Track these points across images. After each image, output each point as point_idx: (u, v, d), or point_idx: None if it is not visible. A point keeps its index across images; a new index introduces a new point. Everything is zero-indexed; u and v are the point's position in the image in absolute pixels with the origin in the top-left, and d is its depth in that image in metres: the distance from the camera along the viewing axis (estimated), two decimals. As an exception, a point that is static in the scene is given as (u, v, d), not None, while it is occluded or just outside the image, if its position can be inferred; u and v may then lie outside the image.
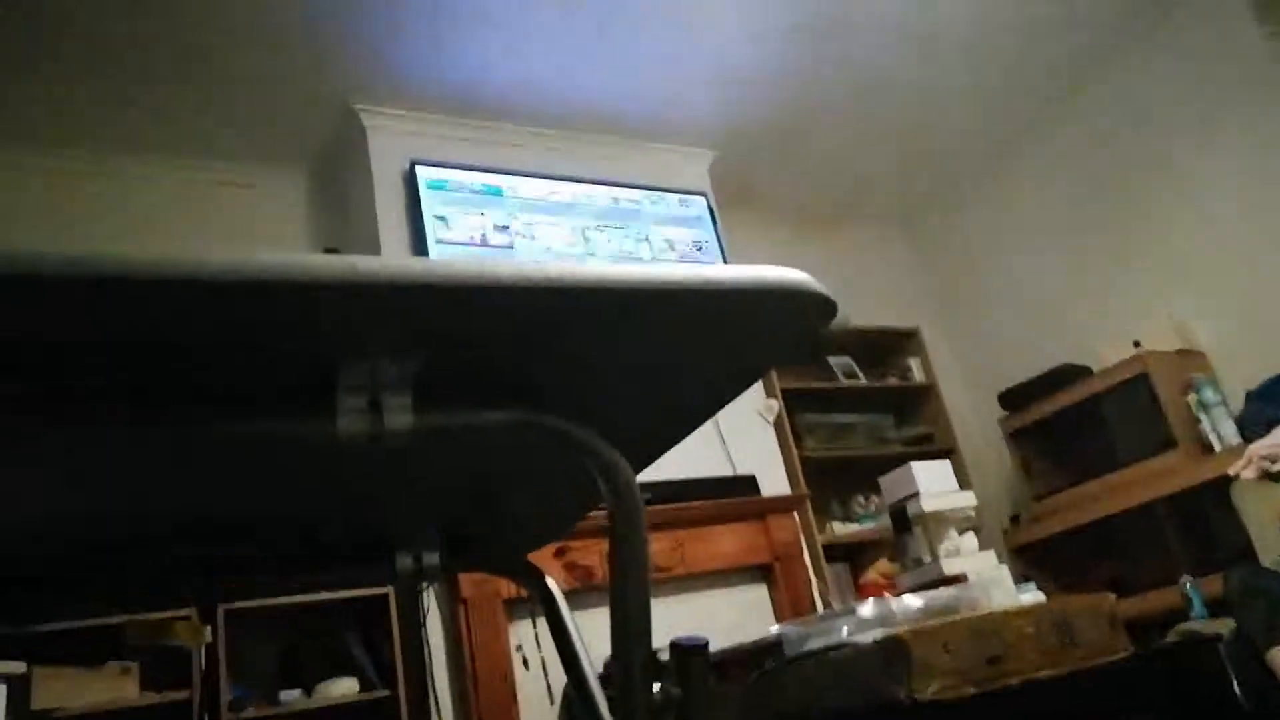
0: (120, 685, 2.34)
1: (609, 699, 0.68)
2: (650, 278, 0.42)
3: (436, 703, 2.73)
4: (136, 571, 0.64)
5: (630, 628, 0.53)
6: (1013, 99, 4.24)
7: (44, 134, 3.20)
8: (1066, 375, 3.96)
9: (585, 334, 0.45)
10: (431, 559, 0.76)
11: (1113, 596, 1.91)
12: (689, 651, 0.53)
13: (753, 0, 3.34)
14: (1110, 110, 4.21)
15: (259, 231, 3.55)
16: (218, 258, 0.33)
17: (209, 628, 2.33)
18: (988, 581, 2.06)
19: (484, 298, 0.39)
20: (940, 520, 2.41)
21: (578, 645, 0.72)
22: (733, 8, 3.35)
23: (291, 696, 2.65)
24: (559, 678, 2.90)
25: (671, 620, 3.09)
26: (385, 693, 2.70)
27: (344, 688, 2.69)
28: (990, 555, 2.41)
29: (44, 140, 3.22)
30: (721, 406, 0.59)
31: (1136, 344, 3.79)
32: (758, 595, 3.37)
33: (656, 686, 0.53)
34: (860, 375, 4.35)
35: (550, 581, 0.78)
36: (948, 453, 4.21)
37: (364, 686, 2.71)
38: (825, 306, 0.48)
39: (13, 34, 2.77)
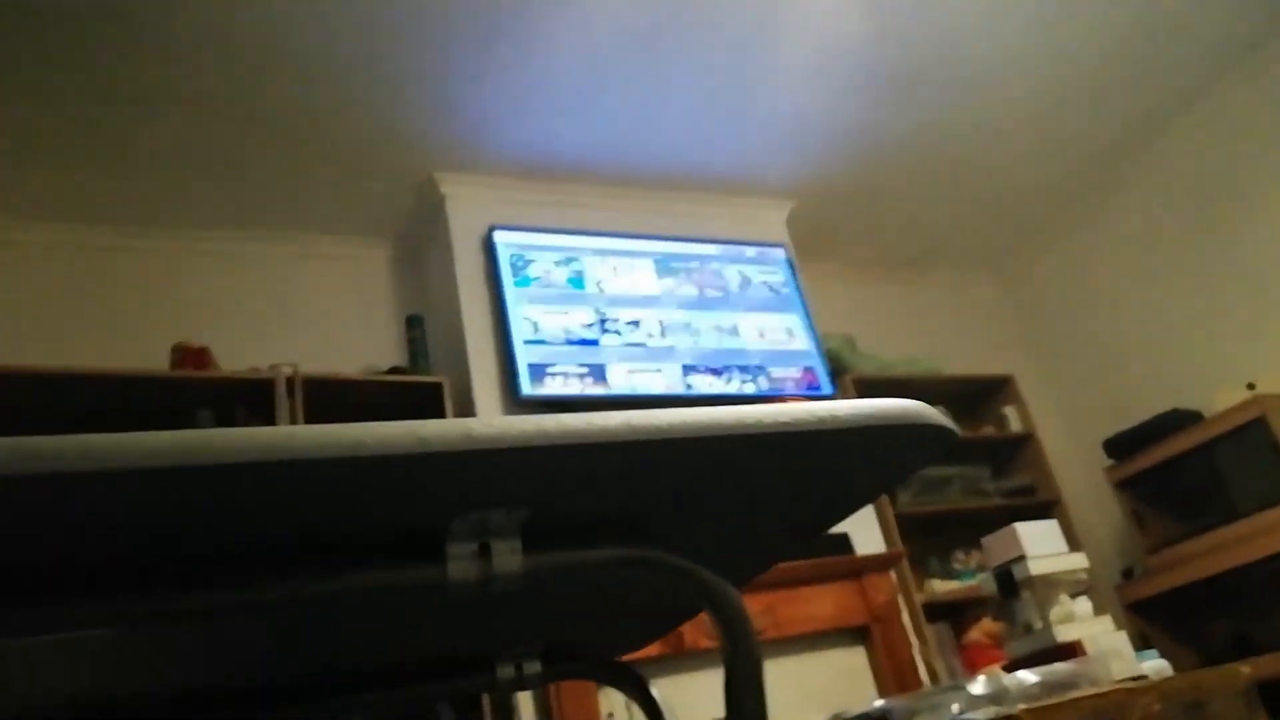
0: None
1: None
2: (764, 420, 0.40)
3: (530, 772, 2.70)
4: (252, 711, 0.65)
5: (748, 767, 0.50)
6: (1105, 130, 4.13)
7: (133, 212, 3.38)
8: (1176, 421, 3.77)
9: (695, 477, 0.43)
10: (533, 668, 0.75)
11: (1247, 669, 1.78)
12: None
13: (827, 53, 3.34)
14: (1217, 132, 4.04)
15: (343, 301, 3.66)
16: (340, 435, 0.33)
17: None
18: (1106, 652, 1.95)
19: (595, 454, 0.38)
20: (1050, 584, 2.29)
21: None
22: (807, 62, 3.36)
23: (388, 764, 2.66)
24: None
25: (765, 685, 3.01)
26: (479, 760, 2.68)
27: (439, 756, 2.69)
28: (1106, 620, 2.28)
29: (132, 218, 3.40)
30: (832, 526, 0.57)
31: (1251, 386, 3.59)
32: (855, 658, 3.26)
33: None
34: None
35: (653, 689, 0.75)
36: (1051, 504, 4.04)
37: (458, 754, 2.70)
38: (944, 434, 0.45)
39: (104, 107, 2.92)
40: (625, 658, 0.89)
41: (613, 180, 3.78)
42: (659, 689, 0.80)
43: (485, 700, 2.70)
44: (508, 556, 0.44)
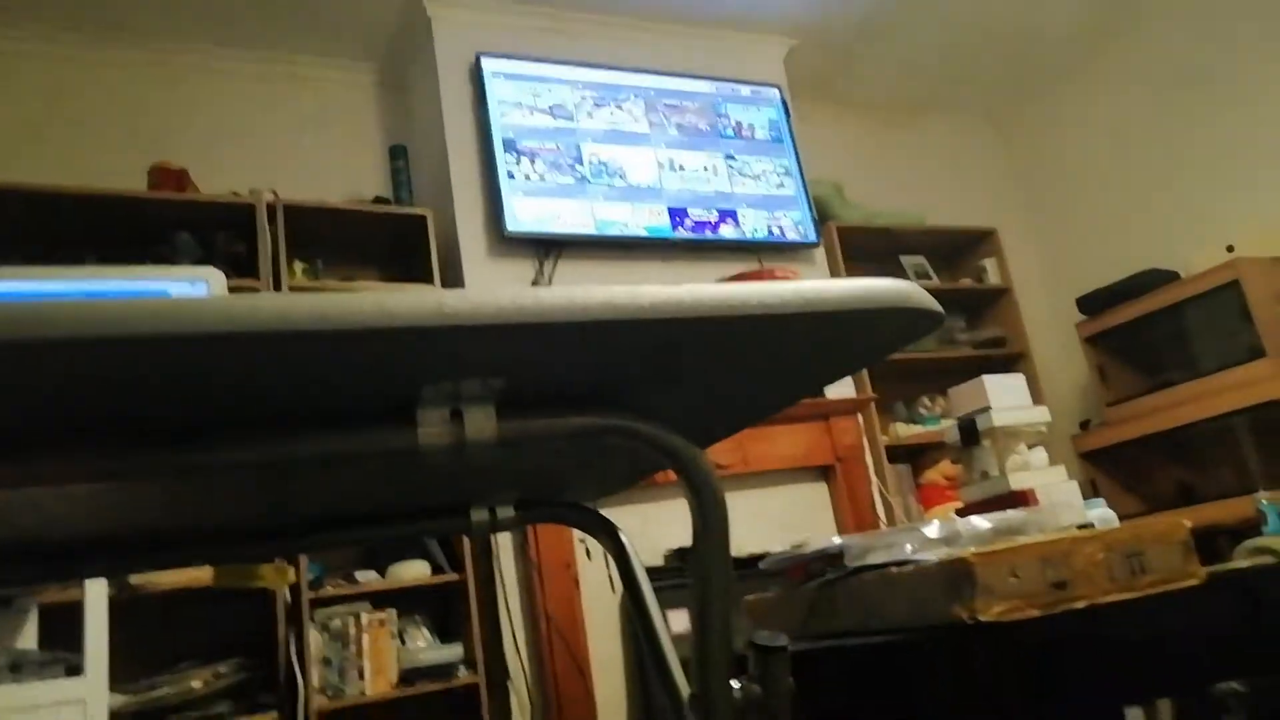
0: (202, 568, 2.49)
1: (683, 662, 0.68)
2: (749, 301, 0.39)
3: (504, 587, 2.84)
4: (230, 547, 0.66)
5: (711, 623, 0.52)
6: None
7: (99, 19, 3.17)
8: (1152, 280, 3.80)
9: (674, 353, 0.43)
10: (506, 513, 0.77)
11: (1188, 523, 1.87)
12: (769, 650, 0.53)
13: None
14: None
15: (328, 125, 3.53)
16: (305, 307, 0.32)
17: (293, 569, 2.44)
18: (1056, 501, 2.03)
19: (573, 331, 0.37)
20: (1010, 434, 2.36)
21: (652, 607, 0.73)
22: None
23: (367, 576, 2.78)
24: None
25: (730, 516, 3.15)
26: (455, 576, 2.82)
27: (416, 570, 2.82)
28: (1060, 470, 2.37)
29: (106, 22, 3.20)
30: (810, 396, 0.57)
31: (1230, 249, 3.60)
32: (818, 493, 3.40)
33: (736, 685, 0.52)
34: (933, 275, 4.23)
35: (623, 537, 0.78)
36: (1019, 357, 4.12)
37: (435, 570, 2.84)
38: (930, 318, 0.44)
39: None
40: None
41: (606, 8, 3.57)
42: (628, 518, 0.82)
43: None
44: (481, 423, 0.44)
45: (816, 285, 0.41)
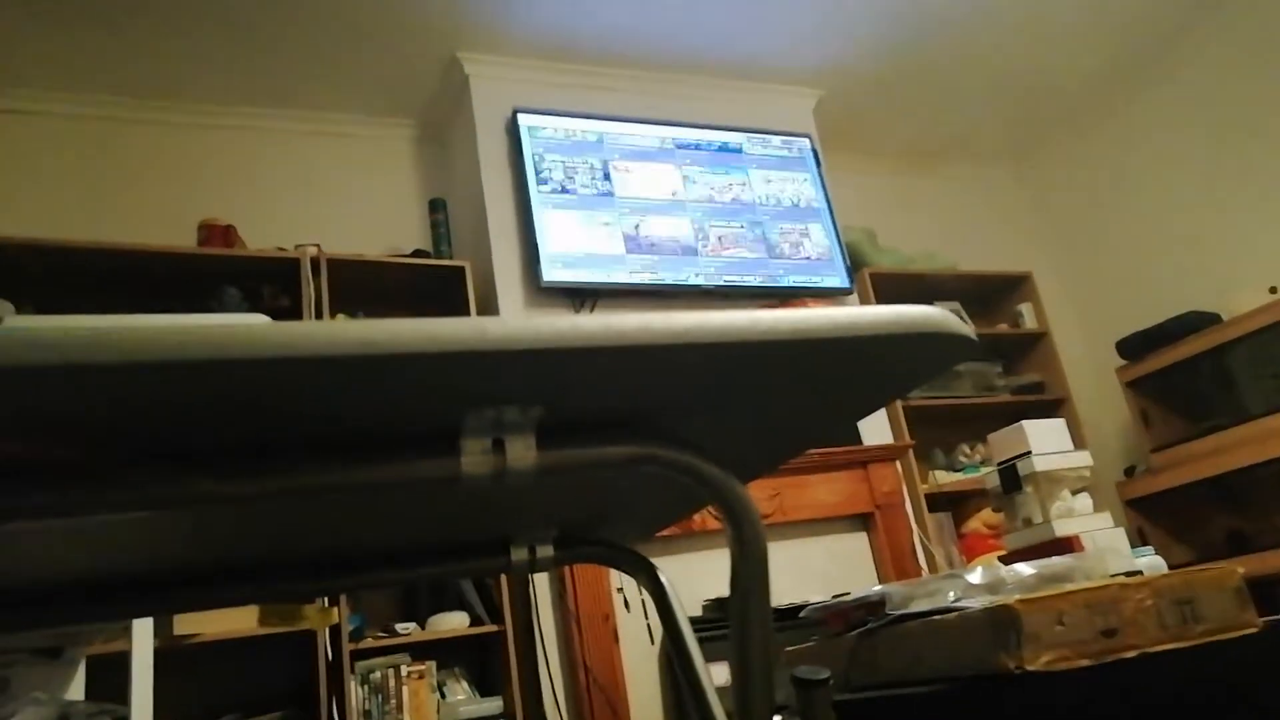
0: (244, 616, 2.51)
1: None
2: (782, 327, 0.40)
3: (542, 639, 2.82)
4: (272, 585, 0.67)
5: (751, 654, 0.52)
6: (1138, 26, 3.95)
7: (155, 84, 3.31)
8: (1193, 322, 3.74)
9: (711, 379, 0.43)
10: (546, 551, 0.77)
11: (1239, 570, 1.82)
12: (812, 684, 0.53)
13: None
14: (1247, 32, 3.87)
15: (370, 180, 3.63)
16: (352, 333, 0.33)
17: (335, 609, 2.45)
18: (1103, 547, 1.99)
19: (611, 357, 0.38)
20: (1053, 480, 2.32)
21: (691, 647, 0.72)
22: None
23: (407, 628, 2.78)
24: (658, 619, 2.96)
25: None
26: (494, 628, 2.81)
27: (454, 622, 2.81)
28: (1105, 517, 2.32)
29: (154, 90, 3.34)
30: (849, 425, 0.57)
31: (1274, 290, 3.54)
32: (857, 543, 3.35)
33: (778, 717, 0.52)
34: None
35: (663, 577, 0.78)
36: (1059, 402, 4.06)
37: (473, 621, 2.83)
38: (964, 344, 0.45)
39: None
40: (635, 541, 0.92)
41: (639, 64, 3.66)
42: (668, 567, 0.82)
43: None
44: (522, 452, 0.45)
45: (849, 312, 0.42)
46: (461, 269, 3.18)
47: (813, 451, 3.21)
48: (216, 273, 2.95)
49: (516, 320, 0.36)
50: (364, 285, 3.19)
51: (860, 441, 3.40)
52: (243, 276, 2.98)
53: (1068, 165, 4.73)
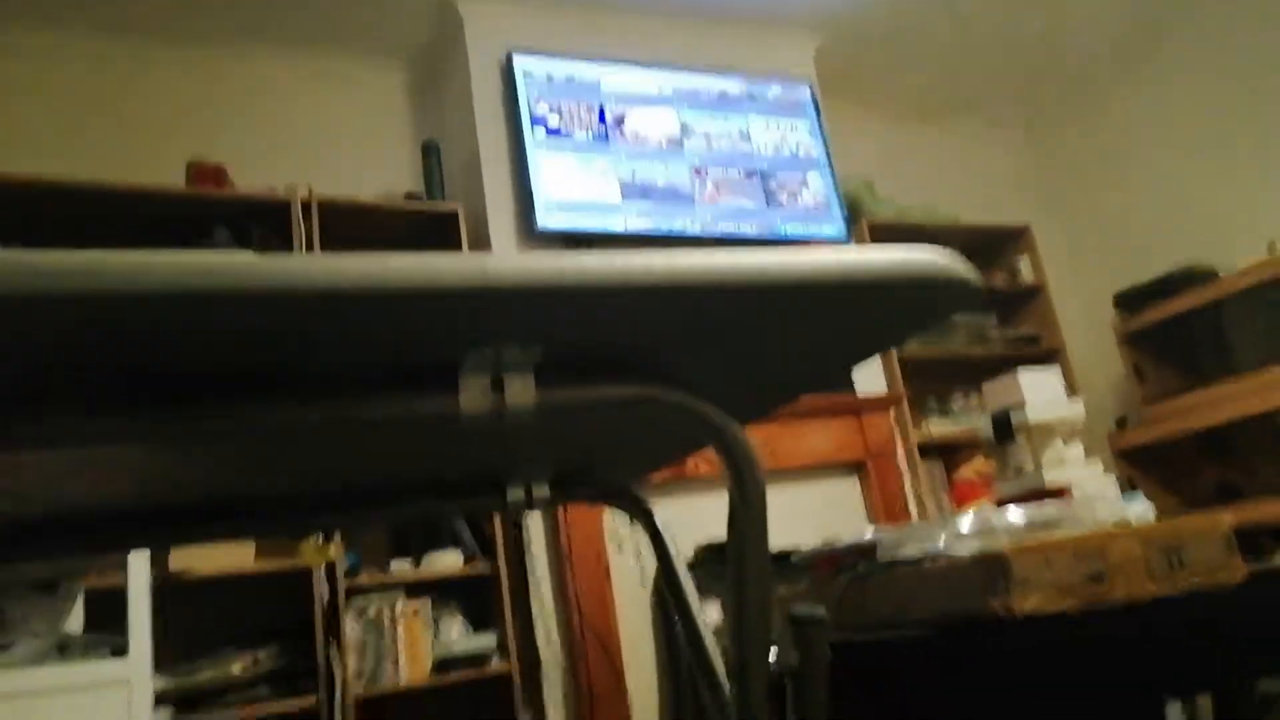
0: (241, 553, 2.54)
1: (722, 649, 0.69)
2: (788, 269, 0.39)
3: (535, 578, 2.86)
4: (268, 520, 0.68)
5: (749, 595, 0.53)
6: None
7: (139, 22, 3.24)
8: (1190, 277, 3.74)
9: (713, 320, 0.43)
10: (541, 491, 0.78)
11: (1228, 518, 1.84)
12: (807, 622, 0.53)
13: None
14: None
15: (362, 122, 3.57)
16: (352, 268, 0.33)
17: (332, 545, 2.47)
18: (1092, 495, 2.01)
19: (612, 297, 0.37)
20: (1045, 430, 2.34)
21: (685, 584, 0.73)
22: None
23: (401, 566, 2.81)
24: (651, 560, 3.00)
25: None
26: (487, 567, 2.84)
27: (448, 560, 2.84)
28: (1096, 465, 2.34)
29: (144, 27, 3.26)
30: (850, 370, 0.57)
31: (1272, 246, 3.53)
32: (849, 490, 3.38)
33: (773, 655, 0.53)
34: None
35: (657, 518, 0.78)
36: (1053, 355, 4.07)
37: (467, 559, 2.86)
38: (969, 289, 0.45)
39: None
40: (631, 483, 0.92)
41: (637, 6, 3.58)
42: (661, 513, 0.83)
43: (497, 515, 2.83)
44: (520, 391, 0.45)
45: (856, 254, 0.41)
46: (454, 213, 3.15)
47: (807, 399, 3.23)
48: (206, 213, 2.92)
49: (518, 257, 0.35)
50: (355, 228, 3.16)
51: (854, 390, 3.41)
52: (232, 217, 2.95)
53: (1070, 120, 4.68)
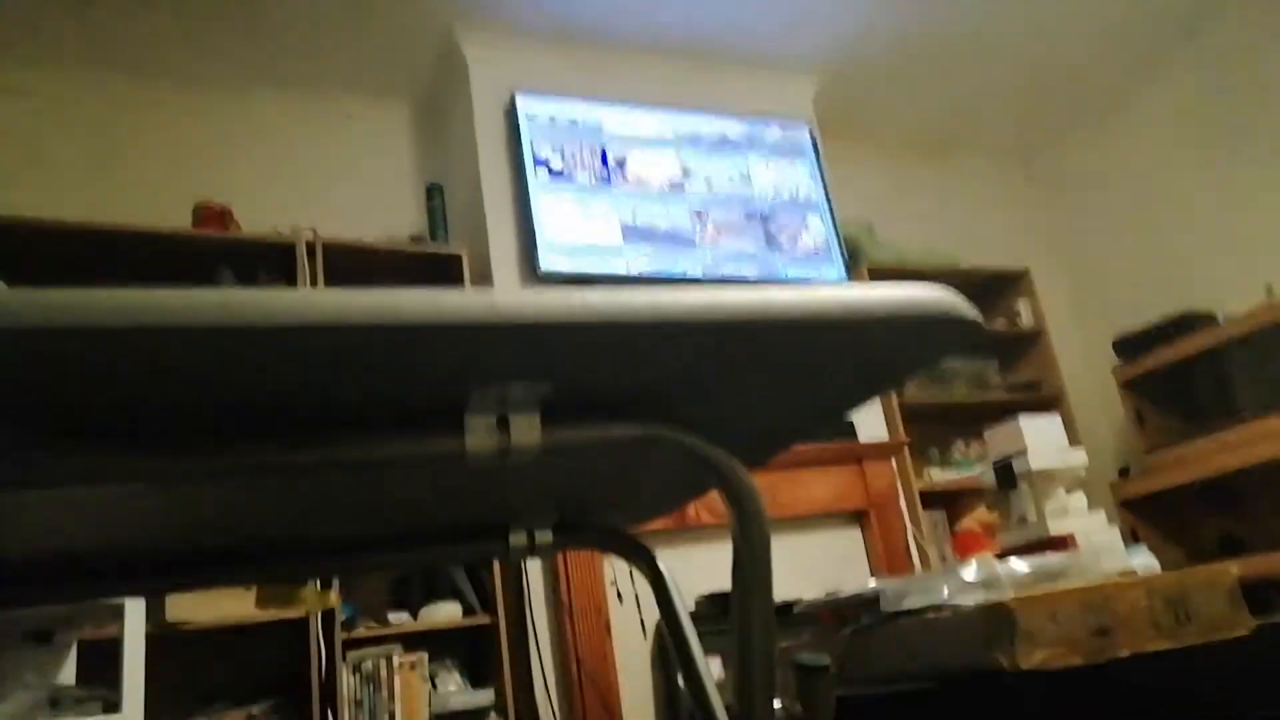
0: (241, 602, 2.50)
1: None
2: (793, 305, 0.39)
3: (535, 631, 2.82)
4: (267, 565, 0.67)
5: (753, 641, 0.52)
6: (1141, 26, 3.95)
7: (147, 65, 3.30)
8: (1189, 323, 3.75)
9: (718, 358, 0.43)
10: (544, 536, 0.77)
11: (1234, 569, 1.82)
12: (813, 670, 0.52)
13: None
14: (1251, 33, 3.87)
15: (363, 165, 3.61)
16: (359, 302, 0.33)
17: (331, 592, 2.44)
18: (1097, 546, 1.99)
19: (619, 333, 0.37)
20: (1048, 478, 2.32)
21: (688, 633, 0.72)
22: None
23: (400, 618, 2.78)
24: (651, 613, 2.96)
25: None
26: (486, 619, 2.80)
27: (447, 612, 2.80)
28: (1100, 516, 2.32)
29: (150, 70, 3.33)
30: (852, 411, 0.57)
31: (1269, 290, 3.55)
32: (851, 540, 3.35)
33: (777, 704, 0.52)
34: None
35: (660, 564, 0.77)
36: (1054, 401, 4.07)
37: (466, 612, 2.82)
38: (972, 327, 0.45)
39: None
40: (633, 530, 0.91)
41: (639, 49, 3.66)
42: (663, 561, 0.82)
43: (495, 562, 2.80)
44: (526, 430, 0.44)
45: (860, 290, 0.41)
46: (458, 257, 3.17)
47: (807, 447, 3.21)
48: (211, 254, 2.94)
49: (526, 292, 0.36)
50: (359, 270, 3.19)
51: (856, 437, 3.40)
52: (238, 258, 2.97)
53: (1068, 162, 4.74)
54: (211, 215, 2.98)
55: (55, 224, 2.68)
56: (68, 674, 1.96)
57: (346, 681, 2.59)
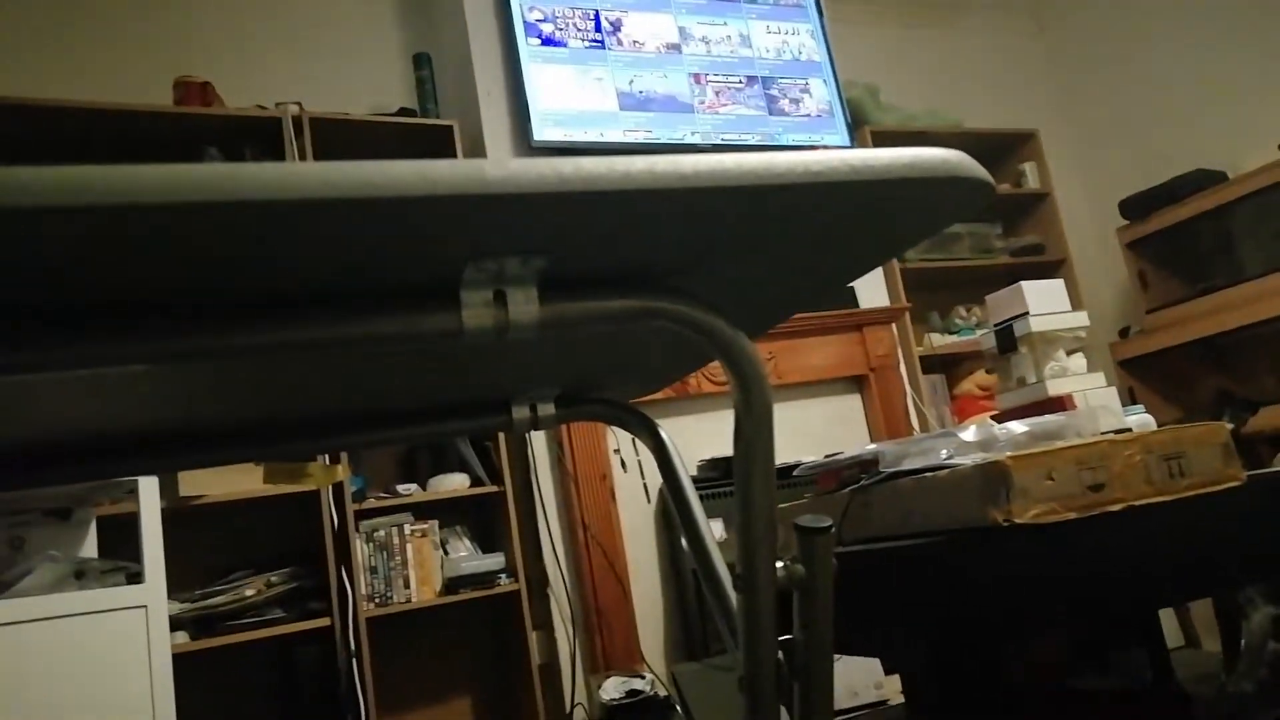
0: (253, 477, 2.56)
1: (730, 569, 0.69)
2: (795, 169, 0.38)
3: (541, 498, 2.90)
4: (274, 443, 0.67)
5: (755, 504, 0.53)
6: None
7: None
8: (1198, 181, 3.68)
9: (718, 227, 0.42)
10: (546, 410, 0.77)
11: (1228, 426, 1.85)
12: (814, 531, 0.53)
13: None
14: None
15: (349, 37, 3.47)
16: (346, 174, 0.31)
17: (339, 466, 2.48)
18: (1094, 406, 2.02)
19: (616, 201, 0.36)
20: (1048, 341, 2.33)
21: (691, 499, 0.73)
22: None
23: (408, 489, 2.85)
24: (654, 479, 3.03)
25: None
26: (494, 489, 2.87)
27: (455, 483, 2.87)
28: (1099, 376, 2.34)
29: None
30: (856, 278, 0.56)
31: (1282, 147, 3.47)
32: (851, 405, 3.40)
33: (780, 564, 0.53)
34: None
35: (662, 431, 0.78)
36: (1058, 264, 4.04)
37: (474, 482, 2.89)
38: (982, 188, 0.43)
39: None
40: (633, 401, 0.92)
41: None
42: (665, 429, 0.82)
43: (500, 434, 2.85)
44: (523, 305, 0.44)
45: (864, 153, 0.40)
46: (449, 128, 3.09)
47: (808, 315, 3.22)
48: (195, 132, 2.86)
49: (518, 162, 0.34)
50: (349, 145, 3.11)
51: (857, 304, 3.40)
52: (223, 136, 2.89)
53: (1079, 21, 4.55)
54: (192, 91, 2.88)
55: (26, 101, 2.59)
56: (90, 548, 2.02)
57: (360, 549, 2.68)
